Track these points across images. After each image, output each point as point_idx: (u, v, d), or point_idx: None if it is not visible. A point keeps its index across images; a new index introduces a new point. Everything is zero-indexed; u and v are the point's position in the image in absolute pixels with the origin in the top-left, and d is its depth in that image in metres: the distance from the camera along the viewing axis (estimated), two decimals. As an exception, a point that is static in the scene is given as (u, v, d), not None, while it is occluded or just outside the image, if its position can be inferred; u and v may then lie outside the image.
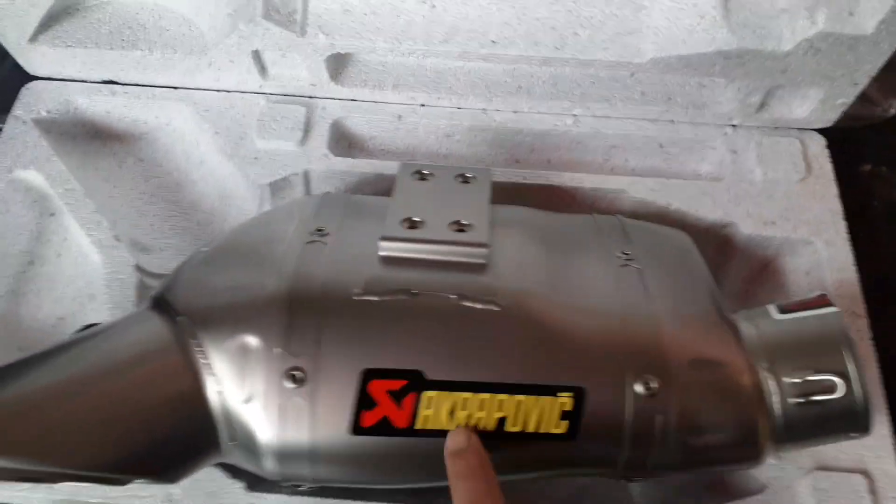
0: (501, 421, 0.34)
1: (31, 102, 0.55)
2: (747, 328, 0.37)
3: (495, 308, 0.35)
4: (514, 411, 0.34)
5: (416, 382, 0.34)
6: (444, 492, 0.33)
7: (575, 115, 0.54)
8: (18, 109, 0.54)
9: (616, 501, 0.45)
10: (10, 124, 0.53)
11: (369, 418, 0.34)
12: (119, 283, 0.47)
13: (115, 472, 0.34)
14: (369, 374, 0.34)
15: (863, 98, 0.52)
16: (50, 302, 0.50)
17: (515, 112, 0.54)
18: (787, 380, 0.35)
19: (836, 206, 0.50)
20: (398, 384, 0.34)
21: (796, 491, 0.41)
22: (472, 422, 0.34)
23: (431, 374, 0.34)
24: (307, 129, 0.53)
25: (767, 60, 0.47)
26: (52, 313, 0.50)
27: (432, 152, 0.56)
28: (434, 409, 0.34)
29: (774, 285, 0.51)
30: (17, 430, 0.32)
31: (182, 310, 0.37)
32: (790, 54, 0.46)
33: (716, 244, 0.51)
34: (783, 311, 0.38)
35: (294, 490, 0.41)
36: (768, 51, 0.46)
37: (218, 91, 0.55)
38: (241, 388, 0.35)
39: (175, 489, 0.41)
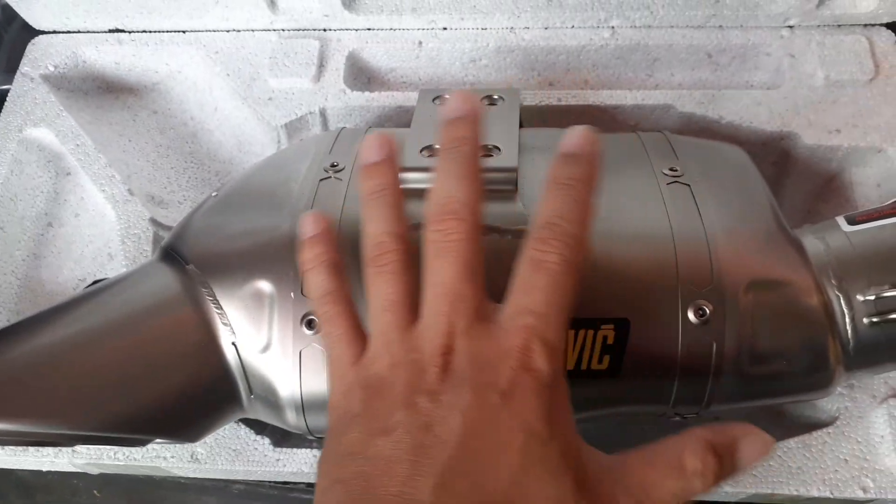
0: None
1: (38, 58, 0.52)
2: (813, 244, 0.33)
3: (527, 237, 0.32)
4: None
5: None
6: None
7: (612, 28, 0.49)
8: (26, 66, 0.52)
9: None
10: (19, 82, 0.51)
11: (393, 362, 0.31)
12: (134, 238, 0.45)
13: (131, 432, 0.32)
14: (391, 316, 0.31)
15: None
16: (70, 263, 0.49)
17: (546, 28, 0.49)
18: (860, 297, 0.32)
19: (910, 107, 0.45)
20: (423, 324, 0.31)
21: (870, 421, 0.38)
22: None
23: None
24: (322, 64, 0.49)
25: (826, -54, 0.42)
26: (72, 275, 0.48)
27: (458, 81, 0.52)
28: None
29: (840, 201, 0.46)
30: (25, 391, 0.31)
31: (192, 258, 0.35)
32: (851, -64, 0.41)
33: (773, 159, 0.46)
34: (853, 222, 0.34)
35: (322, 444, 0.38)
36: (826, -66, 0.41)
37: (227, 31, 0.52)
38: (256, 337, 0.33)
39: (199, 448, 0.39)
